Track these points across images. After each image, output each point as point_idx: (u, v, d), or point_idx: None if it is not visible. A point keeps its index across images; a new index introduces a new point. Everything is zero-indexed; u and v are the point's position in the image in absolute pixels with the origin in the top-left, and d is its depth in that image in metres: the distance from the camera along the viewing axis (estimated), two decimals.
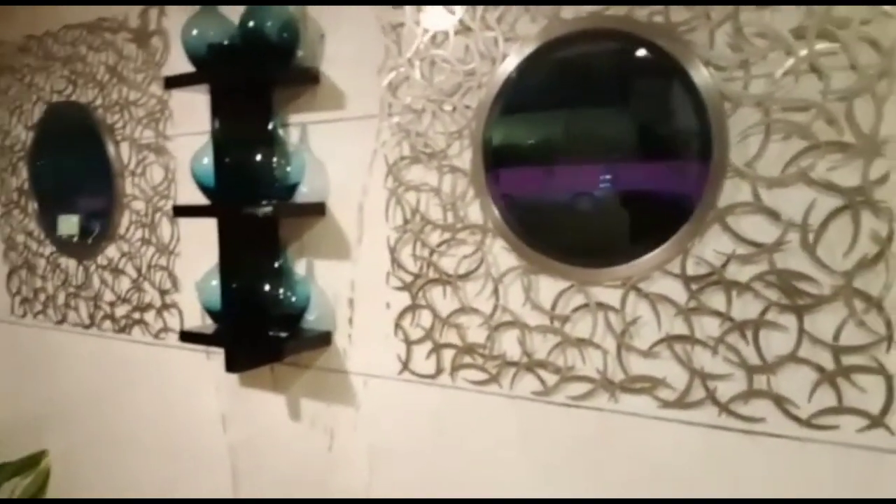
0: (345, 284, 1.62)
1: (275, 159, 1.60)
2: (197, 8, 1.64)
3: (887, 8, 1.02)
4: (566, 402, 1.33)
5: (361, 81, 1.55)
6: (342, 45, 1.58)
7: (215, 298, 1.63)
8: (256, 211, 1.54)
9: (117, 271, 2.02)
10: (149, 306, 1.97)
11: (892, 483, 1.07)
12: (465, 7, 1.37)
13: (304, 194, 1.64)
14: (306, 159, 1.63)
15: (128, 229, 1.98)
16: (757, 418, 1.16)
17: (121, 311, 2.04)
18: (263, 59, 1.57)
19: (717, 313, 1.18)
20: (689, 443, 1.22)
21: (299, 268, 1.68)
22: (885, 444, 1.06)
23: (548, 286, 1.33)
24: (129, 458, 2.09)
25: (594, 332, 1.29)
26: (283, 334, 1.62)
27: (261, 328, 1.62)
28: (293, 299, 1.63)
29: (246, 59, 1.59)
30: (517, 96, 1.34)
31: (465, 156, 1.41)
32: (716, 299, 1.18)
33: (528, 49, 1.31)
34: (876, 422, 1.07)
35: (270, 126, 1.63)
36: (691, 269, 1.20)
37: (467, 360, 1.44)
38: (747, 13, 1.13)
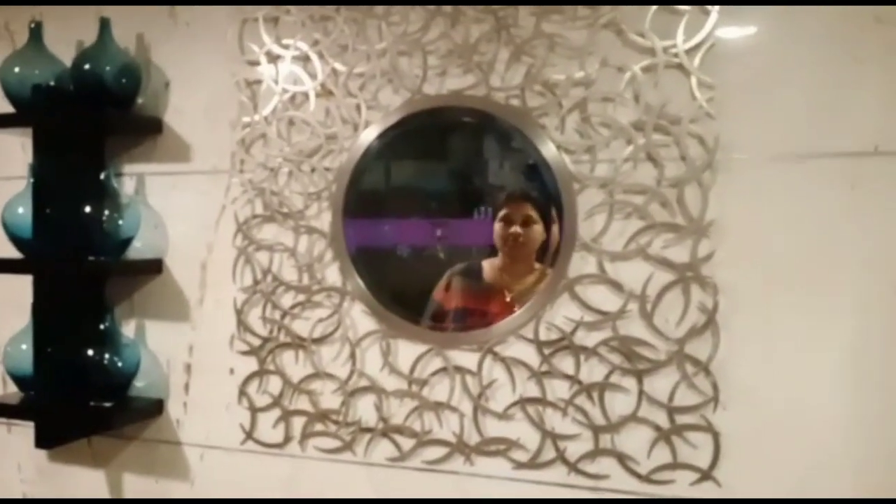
0: (181, 348, 1.51)
1: (105, 212, 1.48)
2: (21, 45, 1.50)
3: (711, 110, 1.18)
4: (422, 466, 1.34)
5: (211, 135, 1.49)
6: (190, 97, 1.51)
7: (25, 364, 1.45)
8: (80, 267, 1.41)
9: None
10: None
11: None
12: (326, 71, 1.38)
13: (137, 250, 1.52)
14: (142, 213, 1.52)
15: None
16: (602, 475, 1.24)
17: None
18: (98, 105, 1.46)
19: (567, 376, 1.26)
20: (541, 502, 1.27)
21: (128, 330, 1.54)
22: (714, 496, 1.18)
23: (407, 350, 1.35)
24: None
25: (452, 395, 1.32)
26: (108, 404, 1.47)
27: (81, 397, 1.45)
28: (119, 365, 1.49)
29: (77, 104, 1.47)
30: (379, 162, 1.37)
31: (323, 217, 1.39)
32: (566, 363, 1.26)
33: (392, 119, 1.35)
34: (705, 475, 1.19)
35: (102, 176, 1.50)
36: (543, 335, 1.27)
37: (319, 427, 1.40)
38: (594, 104, 1.25)
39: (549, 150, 1.27)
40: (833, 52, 1.14)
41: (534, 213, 1.30)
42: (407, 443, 1.34)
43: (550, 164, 1.26)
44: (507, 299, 1.30)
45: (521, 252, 1.30)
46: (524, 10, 1.27)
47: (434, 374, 1.33)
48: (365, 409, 1.37)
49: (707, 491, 1.19)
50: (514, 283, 1.30)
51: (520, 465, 1.28)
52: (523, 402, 1.28)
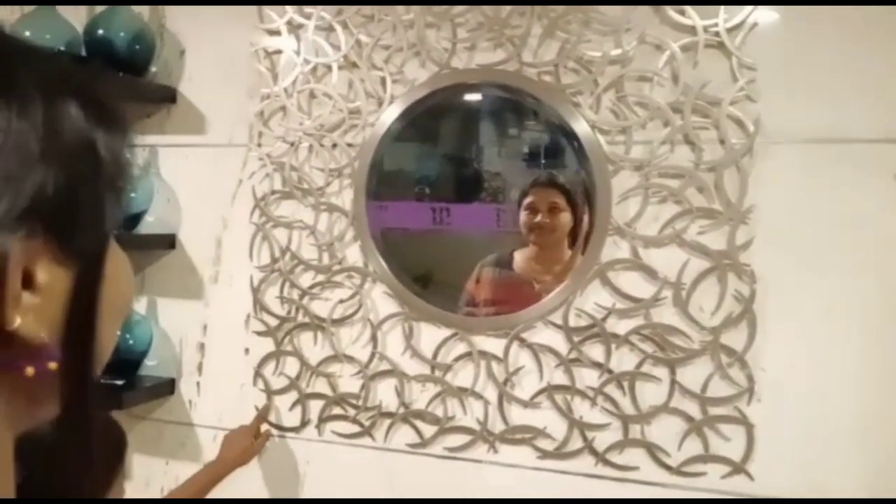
0: (195, 327, 1.47)
1: None
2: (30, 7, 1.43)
3: (751, 92, 1.14)
4: (443, 454, 1.30)
5: (227, 107, 1.44)
6: (207, 66, 1.46)
7: None
8: None
9: None
10: None
11: None
12: (350, 42, 1.33)
13: (149, 224, 1.47)
14: (155, 186, 1.47)
15: None
16: (631, 467, 1.21)
17: None
18: (109, 72, 1.41)
19: (597, 364, 1.22)
20: (566, 493, 1.24)
21: (139, 307, 1.50)
22: (746, 490, 1.15)
23: (430, 334, 1.31)
24: None
25: (476, 381, 1.28)
26: (119, 382, 1.42)
27: None
28: (130, 342, 1.45)
29: (88, 71, 1.41)
30: (405, 140, 1.32)
31: (345, 195, 1.35)
32: (595, 351, 1.23)
33: (419, 94, 1.30)
34: (738, 469, 1.16)
35: None
36: (573, 321, 1.23)
37: (338, 411, 1.36)
38: (630, 83, 1.20)
39: (582, 130, 1.22)
40: (877, 34, 1.09)
41: (560, 201, 1.25)
42: (428, 429, 1.31)
43: (584, 145, 1.22)
44: (535, 289, 1.26)
45: (548, 241, 1.26)
46: None
47: (458, 359, 1.29)
48: (385, 394, 1.33)
49: (739, 484, 1.15)
50: (544, 273, 1.26)
51: (545, 455, 1.25)
52: (550, 390, 1.25)
